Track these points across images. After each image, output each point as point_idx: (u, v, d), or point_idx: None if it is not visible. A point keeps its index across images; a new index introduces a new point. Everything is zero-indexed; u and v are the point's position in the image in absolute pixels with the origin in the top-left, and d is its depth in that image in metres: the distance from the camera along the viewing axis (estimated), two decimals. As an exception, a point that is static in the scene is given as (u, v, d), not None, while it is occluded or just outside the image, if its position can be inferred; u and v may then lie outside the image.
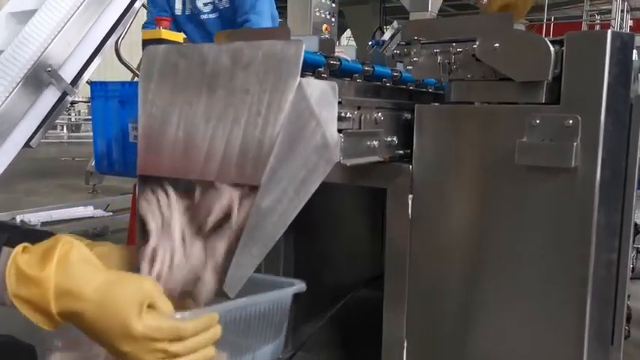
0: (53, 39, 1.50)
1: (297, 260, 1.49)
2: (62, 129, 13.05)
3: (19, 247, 0.69)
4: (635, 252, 1.34)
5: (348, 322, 1.55)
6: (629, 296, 1.15)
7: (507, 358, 1.13)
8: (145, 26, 2.48)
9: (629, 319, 1.18)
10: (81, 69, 1.61)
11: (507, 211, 1.11)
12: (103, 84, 1.82)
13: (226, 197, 0.86)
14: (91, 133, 2.01)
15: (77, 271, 0.66)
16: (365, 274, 1.76)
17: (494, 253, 1.13)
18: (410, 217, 1.21)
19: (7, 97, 1.45)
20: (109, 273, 0.71)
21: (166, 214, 0.90)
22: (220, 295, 0.85)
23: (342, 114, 1.00)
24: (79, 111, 13.53)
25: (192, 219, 0.90)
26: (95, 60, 1.64)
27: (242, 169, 0.86)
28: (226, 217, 0.88)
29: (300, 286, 1.00)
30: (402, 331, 1.25)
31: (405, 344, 1.25)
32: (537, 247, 1.08)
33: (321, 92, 0.90)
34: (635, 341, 1.38)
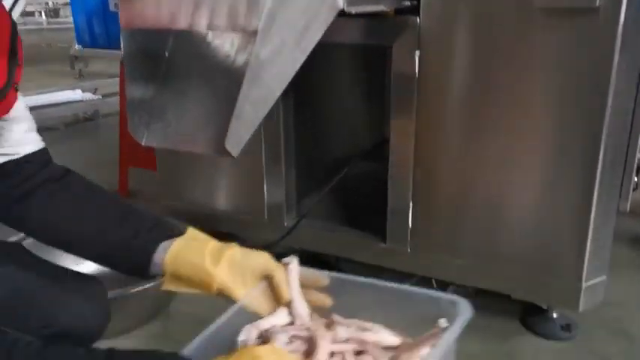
0: None
1: (297, 128, 1.44)
2: (40, 15, 12.43)
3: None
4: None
5: (351, 189, 1.54)
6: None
7: (514, 212, 1.13)
8: None
9: (638, 170, 1.16)
10: None
11: (523, 59, 1.04)
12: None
13: (225, 45, 0.79)
14: (71, 19, 1.87)
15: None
16: (367, 141, 1.73)
17: (508, 106, 1.08)
18: (417, 75, 1.15)
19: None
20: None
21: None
22: (223, 153, 0.81)
23: (346, -47, 0.89)
24: (56, -5, 12.80)
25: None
26: None
27: (236, 13, 0.78)
28: (225, 67, 0.81)
29: (468, 315, 0.74)
30: (408, 196, 1.24)
31: (411, 208, 1.24)
32: (554, 96, 1.03)
33: None
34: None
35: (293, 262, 0.81)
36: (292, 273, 0.80)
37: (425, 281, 1.35)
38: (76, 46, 3.51)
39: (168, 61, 0.91)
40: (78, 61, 4.31)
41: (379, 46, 1.23)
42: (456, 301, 0.77)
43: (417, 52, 1.13)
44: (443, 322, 0.73)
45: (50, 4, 12.63)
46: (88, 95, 3.26)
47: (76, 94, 3.22)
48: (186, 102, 0.89)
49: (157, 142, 0.88)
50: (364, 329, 0.75)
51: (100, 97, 3.34)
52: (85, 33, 1.78)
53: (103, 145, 2.73)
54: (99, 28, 1.75)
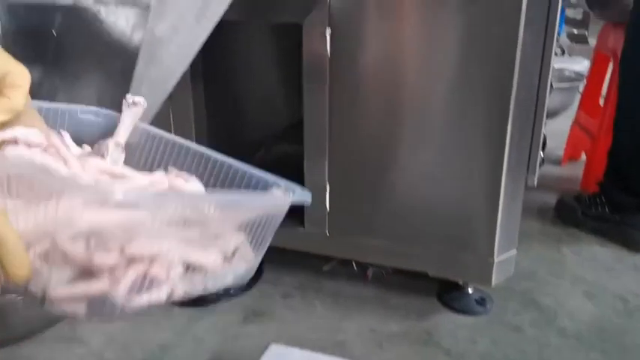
0: None
1: (210, 111, 1.38)
2: None
3: None
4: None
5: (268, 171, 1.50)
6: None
7: (428, 192, 1.13)
8: None
9: (544, 146, 1.19)
10: None
11: (433, 41, 1.04)
12: None
13: (119, 21, 0.72)
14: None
15: None
16: (285, 123, 1.69)
17: (417, 86, 1.08)
18: (329, 54, 1.12)
19: None
20: None
21: None
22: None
23: None
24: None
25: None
26: None
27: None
28: (120, 46, 0.74)
29: (305, 195, 0.53)
30: (324, 177, 1.21)
31: (327, 190, 1.22)
32: (462, 73, 1.04)
33: None
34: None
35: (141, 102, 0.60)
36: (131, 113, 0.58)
37: (345, 263, 1.35)
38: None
39: (57, 41, 0.83)
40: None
41: (291, 25, 1.19)
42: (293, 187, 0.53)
43: (328, 31, 1.10)
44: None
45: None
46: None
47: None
48: (77, 85, 0.82)
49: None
50: None
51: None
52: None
53: None
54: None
